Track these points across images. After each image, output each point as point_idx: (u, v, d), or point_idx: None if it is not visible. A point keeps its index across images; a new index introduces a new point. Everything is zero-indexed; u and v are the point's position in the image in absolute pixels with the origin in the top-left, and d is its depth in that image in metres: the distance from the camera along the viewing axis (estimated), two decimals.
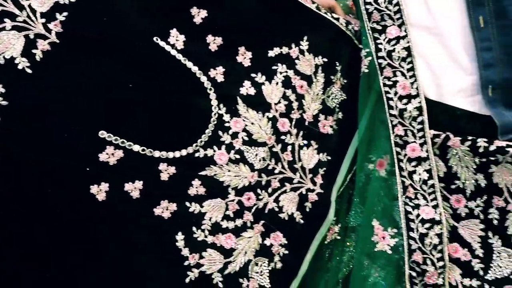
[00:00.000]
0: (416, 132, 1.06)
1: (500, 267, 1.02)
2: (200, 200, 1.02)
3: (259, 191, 1.06)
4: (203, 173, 1.03)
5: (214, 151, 1.04)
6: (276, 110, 1.09)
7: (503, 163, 1.01)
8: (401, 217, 1.06)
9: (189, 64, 1.04)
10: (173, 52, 1.04)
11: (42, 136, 0.94)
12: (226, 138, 1.06)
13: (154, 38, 1.03)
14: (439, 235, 1.03)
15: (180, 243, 1.00)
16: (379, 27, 1.10)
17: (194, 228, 1.01)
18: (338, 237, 1.14)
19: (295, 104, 1.11)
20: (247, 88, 1.08)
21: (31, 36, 0.95)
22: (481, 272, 1.03)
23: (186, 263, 1.00)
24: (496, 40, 1.05)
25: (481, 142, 1.02)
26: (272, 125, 1.09)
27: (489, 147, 1.01)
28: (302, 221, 1.08)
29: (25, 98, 0.94)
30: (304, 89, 1.12)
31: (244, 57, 1.09)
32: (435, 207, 1.04)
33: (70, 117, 0.96)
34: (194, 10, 1.06)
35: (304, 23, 1.13)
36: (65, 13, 0.97)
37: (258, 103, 1.08)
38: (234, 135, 1.06)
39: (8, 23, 0.94)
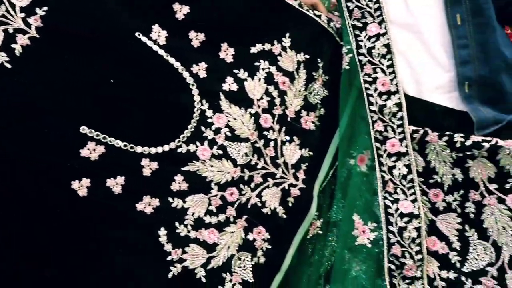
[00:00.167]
0: (396, 127, 1.08)
1: (476, 259, 1.04)
2: (183, 195, 1.02)
3: (242, 186, 1.07)
4: (185, 168, 1.03)
5: (197, 146, 1.05)
6: (259, 106, 1.10)
7: (479, 157, 1.03)
8: (380, 211, 1.07)
9: (172, 60, 1.04)
10: (155, 47, 1.03)
11: (28, 132, 0.94)
12: (209, 134, 1.06)
13: (136, 34, 1.02)
14: (418, 229, 1.05)
15: (163, 239, 1.00)
16: (360, 24, 1.11)
17: (177, 224, 1.01)
18: (320, 232, 1.15)
19: (277, 100, 1.11)
20: (229, 84, 1.08)
21: (10, 31, 0.94)
22: (458, 265, 1.05)
23: (169, 258, 1.00)
24: (472, 37, 1.07)
25: (458, 137, 1.04)
26: (255, 120, 1.09)
27: (466, 142, 1.03)
28: (284, 216, 1.09)
29: (12, 95, 0.93)
30: (286, 85, 1.13)
31: (227, 53, 1.09)
32: (414, 201, 1.06)
33: (54, 113, 0.95)
34: (176, 6, 1.06)
35: (287, 20, 1.13)
36: (45, 8, 0.96)
37: (241, 99, 1.08)
38: (217, 131, 1.06)
39: None
